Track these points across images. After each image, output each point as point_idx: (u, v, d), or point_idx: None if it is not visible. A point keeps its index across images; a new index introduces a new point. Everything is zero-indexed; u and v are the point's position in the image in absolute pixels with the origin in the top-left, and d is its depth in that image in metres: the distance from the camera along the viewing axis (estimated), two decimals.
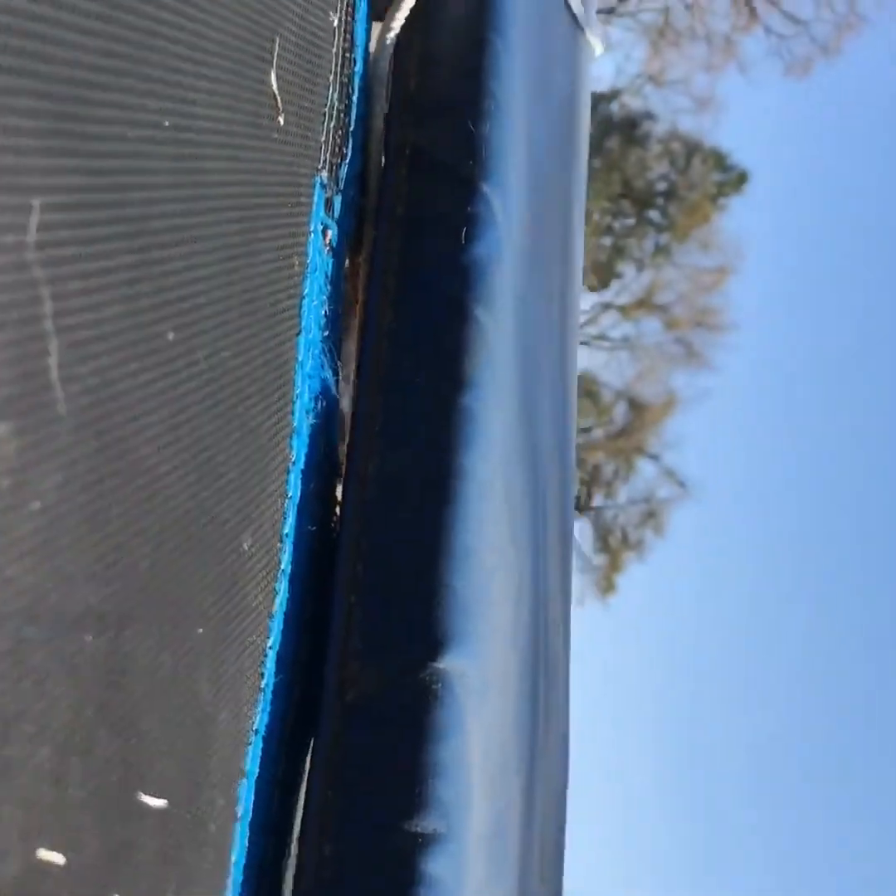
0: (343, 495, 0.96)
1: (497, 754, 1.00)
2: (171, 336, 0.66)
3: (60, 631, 0.56)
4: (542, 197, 1.33)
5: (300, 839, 0.85)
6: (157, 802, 0.66)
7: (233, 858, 0.79)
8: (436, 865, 0.83)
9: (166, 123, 0.65)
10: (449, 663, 0.88)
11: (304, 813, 0.86)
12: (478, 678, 0.92)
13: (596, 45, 1.81)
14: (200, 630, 0.73)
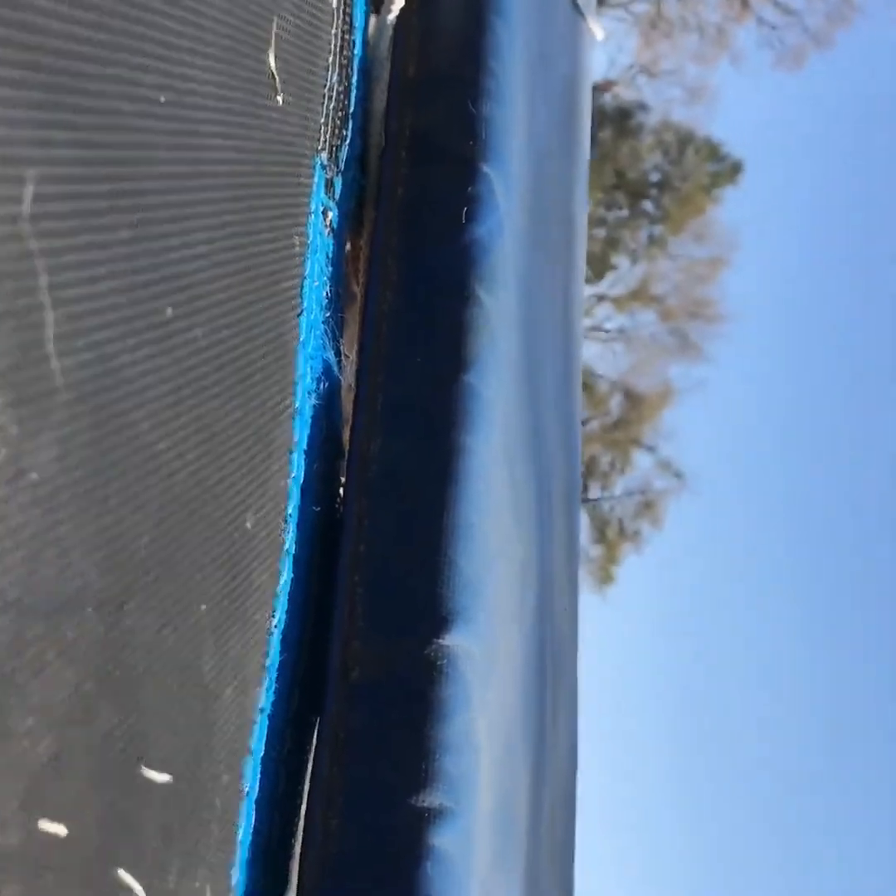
0: (346, 476, 0.96)
1: (503, 735, 1.00)
2: (169, 312, 0.67)
3: (59, 605, 0.56)
4: (544, 179, 1.33)
5: (307, 815, 0.85)
6: (161, 777, 0.66)
7: (239, 835, 0.79)
8: (443, 840, 0.83)
9: (162, 99, 0.65)
10: (454, 640, 0.88)
11: (310, 790, 0.86)
12: (483, 656, 0.92)
13: (597, 31, 1.81)
14: (203, 607, 0.73)
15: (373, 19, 1.11)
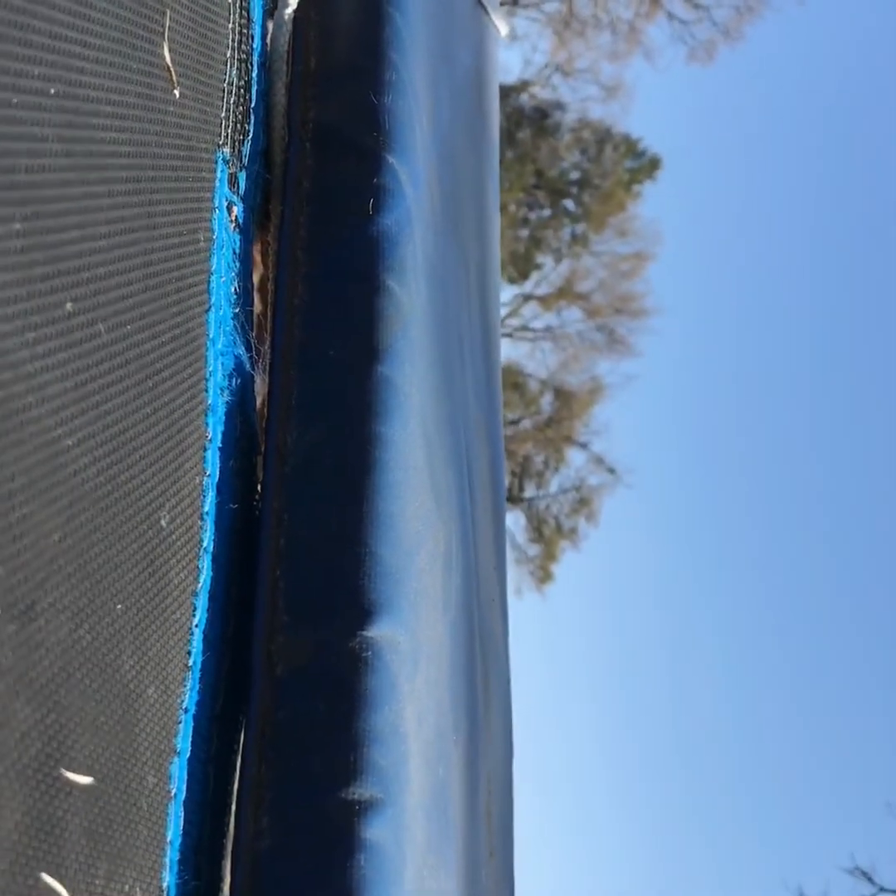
0: (263, 471, 0.96)
1: (433, 722, 1.00)
2: (69, 306, 0.66)
3: None
4: (451, 170, 1.33)
5: (236, 814, 0.84)
6: (83, 779, 0.65)
7: (168, 836, 0.78)
8: (375, 831, 0.82)
9: (52, 91, 0.64)
10: (378, 631, 0.88)
11: (239, 788, 0.85)
12: (408, 645, 0.92)
13: (500, 26, 1.81)
14: (120, 606, 0.72)
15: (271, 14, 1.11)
